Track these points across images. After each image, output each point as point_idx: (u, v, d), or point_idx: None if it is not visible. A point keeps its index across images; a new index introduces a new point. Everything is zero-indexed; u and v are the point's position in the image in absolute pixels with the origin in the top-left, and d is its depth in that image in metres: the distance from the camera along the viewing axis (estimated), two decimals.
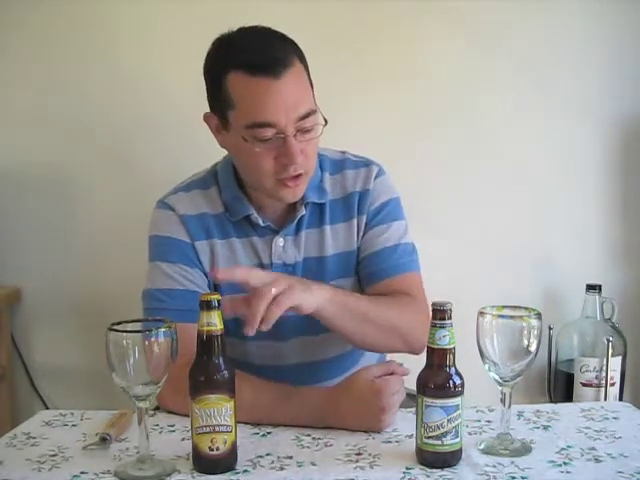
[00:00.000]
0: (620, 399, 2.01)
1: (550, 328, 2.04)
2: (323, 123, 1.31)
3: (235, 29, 1.31)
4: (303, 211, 1.39)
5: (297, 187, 1.32)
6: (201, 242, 1.39)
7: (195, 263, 1.38)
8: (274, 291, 1.15)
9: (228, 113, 1.30)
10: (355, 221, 1.43)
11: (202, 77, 1.34)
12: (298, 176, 1.30)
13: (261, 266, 1.40)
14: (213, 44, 1.32)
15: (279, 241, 1.39)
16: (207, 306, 1.03)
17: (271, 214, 1.40)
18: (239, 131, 1.28)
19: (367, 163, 1.46)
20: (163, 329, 1.02)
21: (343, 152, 1.50)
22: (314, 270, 1.41)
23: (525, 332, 1.07)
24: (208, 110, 1.36)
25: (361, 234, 1.43)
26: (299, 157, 1.27)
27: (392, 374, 1.22)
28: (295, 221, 1.39)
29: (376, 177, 1.44)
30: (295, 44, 1.31)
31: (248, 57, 1.26)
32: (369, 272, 1.43)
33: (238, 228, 1.40)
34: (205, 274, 1.39)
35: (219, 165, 1.45)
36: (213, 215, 1.40)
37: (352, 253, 1.43)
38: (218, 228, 1.40)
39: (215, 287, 1.39)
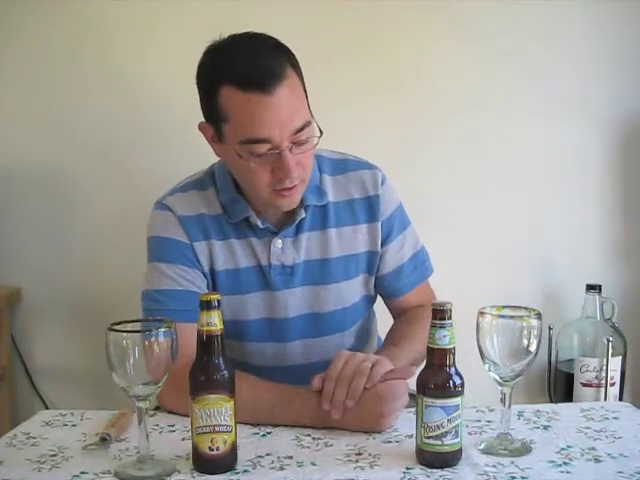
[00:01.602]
0: (620, 399, 2.01)
1: (550, 328, 2.04)
2: (318, 134, 1.29)
3: (226, 37, 1.28)
4: (302, 214, 1.38)
5: (293, 196, 1.31)
6: (199, 243, 1.38)
7: (194, 263, 1.38)
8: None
9: (222, 126, 1.28)
10: (365, 227, 1.43)
11: None
12: (294, 186, 1.30)
13: (259, 267, 1.40)
14: (205, 54, 1.30)
15: (277, 243, 1.39)
16: (207, 306, 1.02)
17: (270, 216, 1.39)
18: (233, 146, 1.27)
19: (370, 166, 1.46)
20: (163, 329, 1.02)
21: (341, 152, 1.49)
22: (317, 272, 1.41)
23: (525, 332, 1.07)
24: None
25: (376, 243, 1.43)
26: (295, 170, 1.26)
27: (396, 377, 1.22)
28: (294, 223, 1.39)
29: (382, 182, 1.44)
30: (288, 52, 1.29)
31: (240, 71, 1.23)
32: (395, 288, 1.49)
33: (237, 229, 1.39)
34: (204, 274, 1.39)
35: (216, 166, 1.44)
36: (211, 216, 1.39)
37: (357, 256, 1.43)
38: (216, 229, 1.39)
39: (214, 287, 1.39)
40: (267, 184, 1.29)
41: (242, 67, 1.24)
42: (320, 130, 1.30)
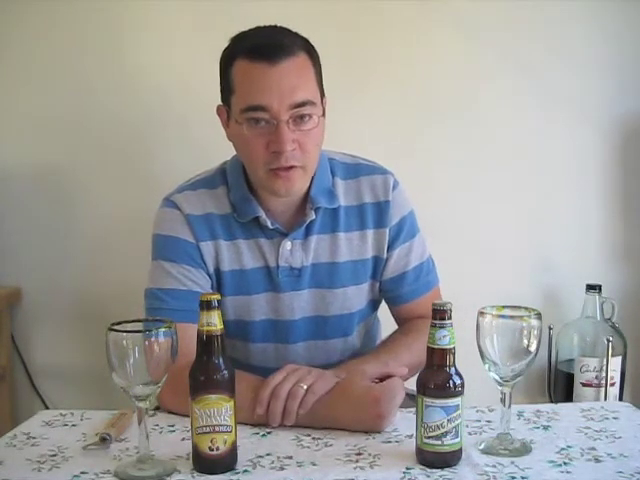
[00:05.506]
0: (620, 399, 2.01)
1: (550, 328, 2.04)
2: (320, 114, 1.30)
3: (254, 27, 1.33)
4: (312, 216, 1.37)
5: (289, 180, 1.30)
6: (206, 243, 1.38)
7: (199, 263, 1.37)
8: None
9: (230, 100, 1.31)
10: (372, 232, 1.42)
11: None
12: (291, 168, 1.29)
13: (267, 268, 1.39)
14: (229, 40, 1.34)
15: (287, 244, 1.38)
16: (207, 306, 1.02)
17: (280, 216, 1.39)
18: (236, 116, 1.29)
19: (382, 171, 1.45)
20: (163, 329, 1.02)
21: (353, 156, 1.48)
22: (324, 275, 1.41)
23: (525, 332, 1.08)
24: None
25: (382, 249, 1.42)
26: (289, 145, 1.26)
27: (389, 376, 1.22)
28: (304, 225, 1.38)
29: (394, 188, 1.43)
30: (307, 41, 1.32)
31: (251, 44, 1.28)
32: (396, 295, 1.48)
33: (245, 229, 1.39)
34: (209, 275, 1.38)
35: (228, 164, 1.43)
36: (219, 215, 1.39)
37: (366, 261, 1.43)
38: (224, 229, 1.38)
39: (220, 287, 1.39)
40: (262, 160, 1.29)
41: (254, 41, 1.29)
42: (324, 111, 1.31)
